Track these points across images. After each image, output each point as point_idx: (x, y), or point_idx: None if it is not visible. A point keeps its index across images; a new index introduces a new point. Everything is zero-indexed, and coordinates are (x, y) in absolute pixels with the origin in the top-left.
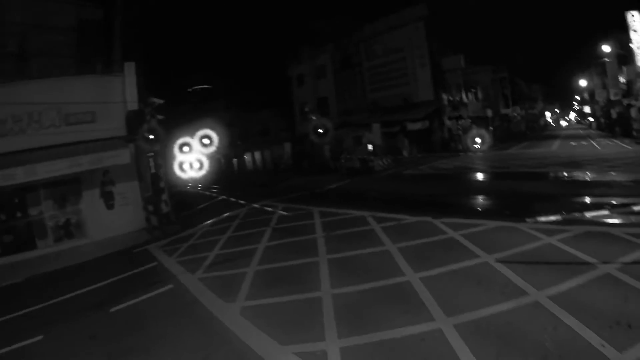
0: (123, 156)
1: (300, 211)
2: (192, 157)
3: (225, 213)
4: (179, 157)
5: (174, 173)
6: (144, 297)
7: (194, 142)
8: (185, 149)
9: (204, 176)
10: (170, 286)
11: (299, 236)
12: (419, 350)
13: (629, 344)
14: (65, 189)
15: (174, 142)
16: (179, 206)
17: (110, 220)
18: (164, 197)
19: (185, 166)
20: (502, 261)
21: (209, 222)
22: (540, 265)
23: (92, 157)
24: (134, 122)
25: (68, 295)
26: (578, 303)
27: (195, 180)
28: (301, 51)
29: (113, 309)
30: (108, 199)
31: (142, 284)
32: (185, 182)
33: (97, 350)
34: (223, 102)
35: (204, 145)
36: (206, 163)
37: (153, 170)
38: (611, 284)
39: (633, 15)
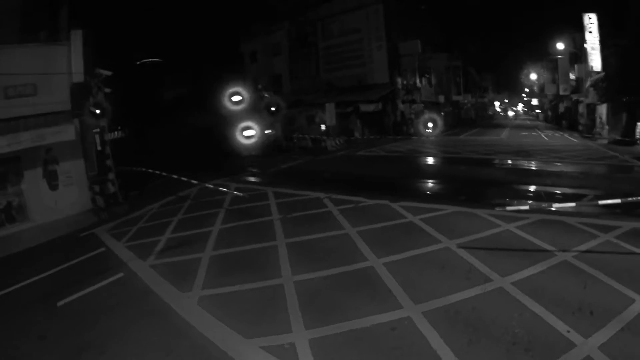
0: (67, 132)
1: (254, 192)
2: None
3: (176, 193)
4: None
5: None
6: (94, 287)
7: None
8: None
9: None
10: (120, 275)
11: (255, 218)
12: (391, 339)
13: (593, 330)
14: (5, 169)
15: None
16: (126, 185)
17: (54, 201)
18: (111, 176)
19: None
20: (464, 247)
21: (159, 203)
22: (501, 252)
23: (33, 134)
24: (79, 95)
25: (10, 289)
26: (540, 289)
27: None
28: (255, 27)
29: (61, 303)
30: (51, 179)
31: (90, 272)
32: None
33: (46, 353)
34: (173, 76)
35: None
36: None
37: (99, 147)
38: (570, 272)
39: (590, 18)
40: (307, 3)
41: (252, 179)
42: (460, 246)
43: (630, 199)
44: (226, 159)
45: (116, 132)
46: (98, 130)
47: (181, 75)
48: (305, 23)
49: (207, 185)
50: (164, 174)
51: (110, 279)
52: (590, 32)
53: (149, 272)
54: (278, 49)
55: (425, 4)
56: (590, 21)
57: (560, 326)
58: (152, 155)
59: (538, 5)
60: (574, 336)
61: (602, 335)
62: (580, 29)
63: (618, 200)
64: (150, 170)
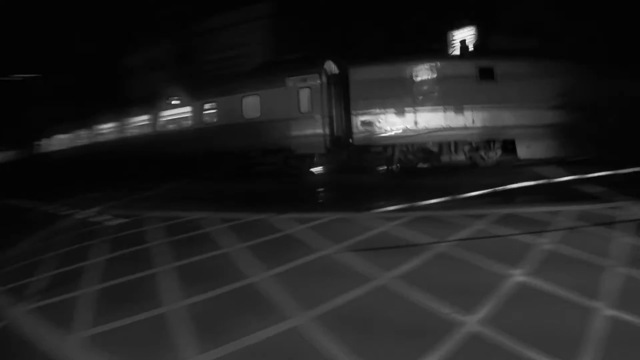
0: None
1: (135, 217)
2: None
3: (51, 225)
4: None
5: None
6: None
7: None
8: None
9: None
10: (4, 323)
11: (133, 246)
12: (285, 350)
13: (473, 308)
14: None
15: None
16: None
17: None
18: None
19: None
20: (347, 250)
21: (32, 238)
22: (382, 250)
23: None
24: None
25: None
26: (421, 280)
27: None
28: (136, 41)
29: None
30: None
31: None
32: None
33: None
34: (44, 94)
35: None
36: None
37: None
38: (447, 260)
39: (453, 35)
40: (192, 16)
41: (133, 203)
42: (343, 250)
43: (493, 189)
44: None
45: None
46: None
47: (52, 93)
48: (189, 37)
49: (84, 214)
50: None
51: None
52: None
53: (26, 317)
54: (159, 63)
55: (309, 20)
56: (454, 37)
57: (443, 310)
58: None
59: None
60: (457, 316)
61: (483, 312)
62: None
63: (481, 192)
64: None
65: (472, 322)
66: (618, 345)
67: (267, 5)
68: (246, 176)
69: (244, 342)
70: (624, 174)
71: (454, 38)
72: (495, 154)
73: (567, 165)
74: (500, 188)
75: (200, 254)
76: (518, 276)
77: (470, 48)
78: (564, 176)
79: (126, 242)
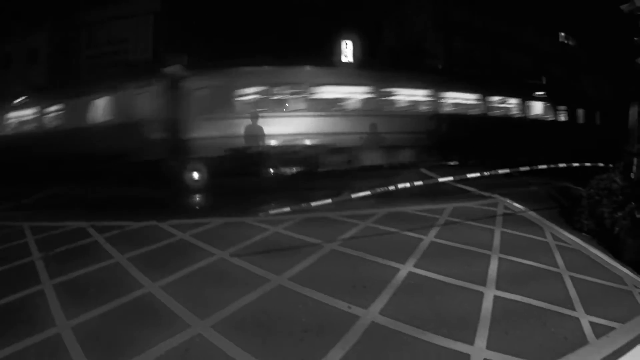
0: None
1: (6, 229)
2: None
3: None
4: None
5: None
6: None
7: None
8: None
9: None
10: None
11: (12, 262)
12: None
13: (370, 300)
14: None
15: None
16: None
17: None
18: None
19: None
20: (237, 255)
21: None
22: (273, 253)
23: None
24: None
25: None
26: (316, 278)
27: None
28: (12, 26)
29: None
30: None
31: None
32: None
33: None
34: None
35: None
36: None
37: None
38: (339, 258)
39: (347, 44)
40: (75, 5)
41: (3, 214)
42: (233, 255)
43: (378, 189)
44: None
45: None
46: None
47: None
48: (69, 27)
49: None
50: None
51: None
52: (345, 56)
53: None
54: (35, 54)
55: (197, 21)
56: (347, 46)
57: (342, 305)
58: None
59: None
60: (356, 309)
61: (380, 303)
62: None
63: (368, 192)
64: None
65: (371, 313)
66: (505, 320)
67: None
68: (123, 181)
69: (146, 357)
70: (495, 175)
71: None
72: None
73: (443, 168)
74: (384, 189)
75: (86, 266)
76: (407, 268)
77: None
78: (444, 177)
79: (1, 258)
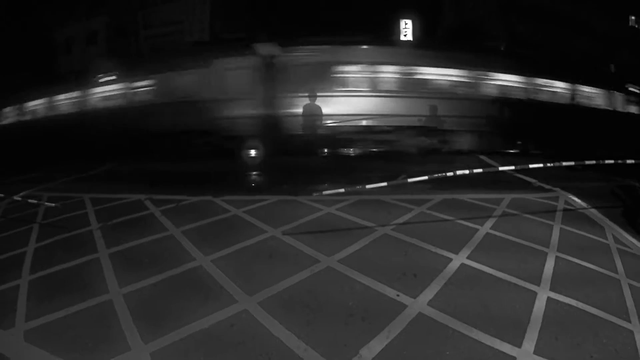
0: None
1: (69, 200)
2: None
3: None
4: None
5: None
6: None
7: None
8: None
9: None
10: None
11: (72, 231)
12: (232, 335)
13: (419, 290)
14: None
15: None
16: None
17: None
18: None
19: None
20: (289, 233)
21: None
22: (325, 233)
23: None
24: None
25: None
26: (366, 262)
27: None
28: (70, 13)
29: None
30: None
31: None
32: None
33: None
34: None
35: None
36: None
37: None
38: (390, 243)
39: (406, 22)
40: None
41: (66, 186)
42: (285, 233)
43: (435, 175)
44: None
45: None
46: None
47: None
48: (126, 10)
49: (15, 198)
50: None
51: None
52: (405, 35)
53: None
54: (95, 37)
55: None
56: (406, 25)
57: (390, 292)
58: None
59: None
60: (404, 298)
61: (429, 293)
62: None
63: (425, 177)
64: None
65: (419, 304)
66: (556, 325)
67: None
68: (182, 156)
69: (191, 328)
70: (557, 167)
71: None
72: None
73: (504, 156)
74: (442, 174)
75: (141, 237)
76: (460, 259)
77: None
78: (505, 165)
79: (62, 227)
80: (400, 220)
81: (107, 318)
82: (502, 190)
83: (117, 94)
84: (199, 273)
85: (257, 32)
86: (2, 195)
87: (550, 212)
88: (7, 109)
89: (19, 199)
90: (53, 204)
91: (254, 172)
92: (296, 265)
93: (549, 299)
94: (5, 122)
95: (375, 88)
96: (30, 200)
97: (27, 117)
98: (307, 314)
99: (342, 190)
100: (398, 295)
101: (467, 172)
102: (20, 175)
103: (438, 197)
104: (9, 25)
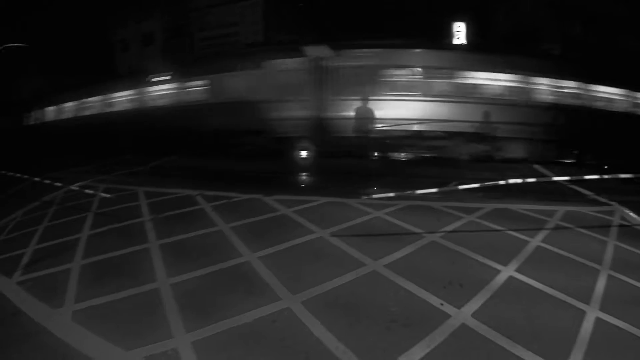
0: None
1: (123, 192)
2: None
3: (40, 198)
4: None
5: None
6: None
7: None
8: None
9: None
10: None
11: (125, 221)
12: (273, 332)
13: (464, 300)
14: None
15: None
16: None
17: None
18: None
19: None
20: (337, 235)
21: (22, 210)
22: (373, 237)
23: None
24: None
25: None
26: (412, 269)
27: None
28: (127, 14)
29: None
30: None
31: None
32: None
33: None
34: (35, 64)
35: None
36: None
37: None
38: (438, 251)
39: (459, 26)
40: None
41: (121, 178)
42: (333, 235)
43: (487, 183)
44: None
45: None
46: None
47: (43, 64)
48: (181, 13)
49: (72, 187)
50: (25, 176)
51: None
52: (458, 39)
53: (15, 290)
54: (151, 38)
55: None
56: (459, 29)
57: (434, 300)
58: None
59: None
60: (448, 308)
61: (474, 304)
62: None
63: (476, 185)
64: (10, 173)
65: (463, 314)
66: (603, 348)
67: None
68: (232, 155)
69: (234, 322)
70: (616, 179)
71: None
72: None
73: (559, 166)
74: (494, 183)
75: (191, 231)
76: (508, 271)
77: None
78: (559, 175)
79: (116, 217)
80: (449, 228)
81: (153, 305)
82: (555, 201)
83: (171, 93)
84: (245, 269)
85: (309, 35)
86: (59, 184)
87: (604, 227)
88: (70, 105)
89: (76, 188)
90: (108, 195)
91: (305, 173)
92: (342, 267)
93: (597, 319)
94: (67, 116)
95: (427, 92)
96: (86, 191)
97: (88, 113)
98: (349, 316)
99: (392, 194)
100: (442, 305)
101: (520, 181)
102: (79, 166)
103: (489, 206)
104: (72, 29)
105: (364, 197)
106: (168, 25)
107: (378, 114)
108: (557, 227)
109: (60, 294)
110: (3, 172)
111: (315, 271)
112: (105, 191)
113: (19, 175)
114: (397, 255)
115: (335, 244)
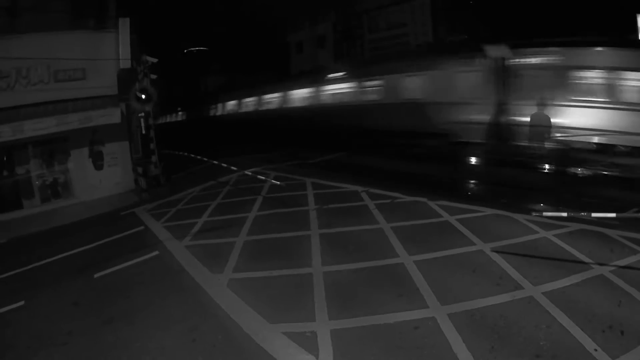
0: (113, 115)
1: (292, 181)
2: None
3: (216, 178)
4: None
5: None
6: (130, 263)
7: None
8: None
9: None
10: (156, 252)
11: (291, 207)
12: (412, 338)
13: (621, 351)
14: (53, 148)
15: None
16: (169, 168)
17: (99, 180)
18: (154, 159)
19: None
20: (498, 251)
21: (199, 187)
22: (536, 259)
23: (81, 116)
24: (126, 80)
25: (52, 258)
26: (572, 302)
27: None
28: (301, 18)
29: (97, 275)
30: (97, 159)
31: (128, 248)
32: None
33: (78, 318)
34: (218, 64)
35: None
36: None
37: (143, 131)
38: (605, 287)
39: None
40: None
41: (291, 168)
42: (494, 250)
43: None
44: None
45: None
46: (143, 114)
47: (225, 63)
48: (351, 15)
49: (246, 172)
50: (205, 159)
51: (146, 256)
52: None
53: (183, 252)
54: (323, 40)
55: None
56: None
57: (588, 343)
58: (195, 140)
59: None
60: (601, 355)
61: (632, 357)
62: None
63: None
64: (192, 155)
65: None
66: None
67: None
68: (402, 156)
69: (376, 319)
70: None
71: None
72: None
73: None
74: None
75: (351, 225)
76: None
77: None
78: None
79: (283, 202)
80: (623, 262)
81: (303, 288)
82: None
83: (345, 93)
84: (399, 270)
85: (481, 34)
86: (234, 168)
87: None
88: (249, 100)
89: (249, 173)
90: (278, 182)
91: (473, 181)
92: (497, 286)
93: None
94: (248, 110)
95: (615, 99)
96: (259, 176)
97: (264, 108)
98: (493, 340)
99: (564, 214)
100: (596, 350)
101: None
102: (254, 154)
103: None
104: (252, 34)
105: (534, 214)
106: (341, 27)
107: (557, 121)
108: None
109: (221, 263)
110: (187, 154)
111: (468, 285)
112: (275, 178)
113: (199, 157)
114: (559, 284)
115: (495, 260)
